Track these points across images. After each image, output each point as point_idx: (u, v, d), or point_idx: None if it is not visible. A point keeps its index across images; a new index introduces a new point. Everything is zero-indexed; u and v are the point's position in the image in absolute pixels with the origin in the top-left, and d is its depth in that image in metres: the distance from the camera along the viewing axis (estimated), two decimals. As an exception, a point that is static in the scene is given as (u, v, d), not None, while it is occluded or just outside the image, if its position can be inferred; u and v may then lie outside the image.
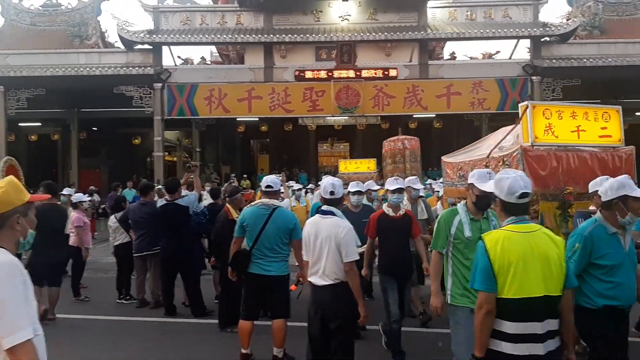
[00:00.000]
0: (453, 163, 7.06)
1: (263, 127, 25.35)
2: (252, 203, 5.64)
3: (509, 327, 2.80)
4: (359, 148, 24.98)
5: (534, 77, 19.26)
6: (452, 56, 25.31)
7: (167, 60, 20.49)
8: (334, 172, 21.61)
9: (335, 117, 21.66)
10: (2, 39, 22.02)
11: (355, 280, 4.24)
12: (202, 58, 26.40)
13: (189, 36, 18.99)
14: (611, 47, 19.78)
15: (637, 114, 23.51)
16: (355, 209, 6.40)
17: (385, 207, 5.82)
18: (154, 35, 19.04)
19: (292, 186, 11.77)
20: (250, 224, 5.31)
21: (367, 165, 15.31)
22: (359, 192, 6.42)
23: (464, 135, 26.24)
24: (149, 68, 19.00)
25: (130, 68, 19.03)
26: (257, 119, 22.88)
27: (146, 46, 19.61)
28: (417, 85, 19.47)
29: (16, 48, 20.64)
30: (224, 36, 19.10)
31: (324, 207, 4.52)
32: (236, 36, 19.05)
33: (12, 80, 19.06)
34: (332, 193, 4.49)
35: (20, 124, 22.69)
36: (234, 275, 5.49)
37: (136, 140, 25.48)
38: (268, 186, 5.49)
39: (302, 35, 18.77)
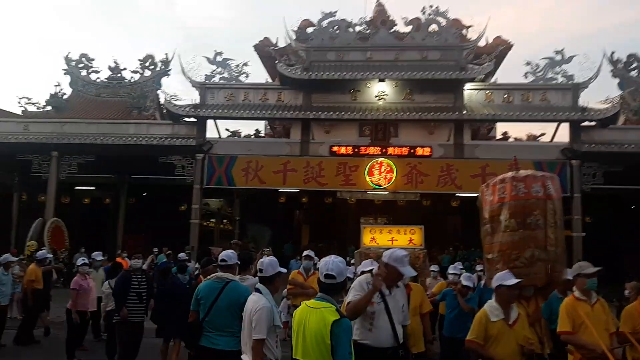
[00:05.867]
0: None
1: (304, 199, 25.79)
2: (208, 277, 5.81)
3: None
4: (400, 223, 24.72)
5: (573, 161, 18.83)
6: (505, 137, 25.12)
7: (212, 133, 21.56)
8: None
9: (374, 192, 21.77)
10: (70, 107, 23.97)
11: (256, 358, 4.14)
12: (257, 130, 27.31)
13: (231, 111, 19.97)
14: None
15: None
16: None
17: None
18: (199, 110, 20.16)
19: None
20: (204, 297, 5.45)
21: (408, 236, 9.94)
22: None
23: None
24: (191, 139, 20.02)
25: (175, 139, 20.11)
26: (298, 190, 23.35)
27: (192, 119, 20.77)
28: (451, 165, 19.46)
29: (81, 117, 22.34)
30: (264, 112, 19.99)
31: (257, 285, 4.63)
32: (275, 112, 19.87)
33: (66, 147, 20.47)
34: (260, 270, 4.63)
35: (76, 188, 24.12)
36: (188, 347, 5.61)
37: (182, 207, 26.41)
38: (222, 260, 5.67)
39: (337, 113, 19.34)
